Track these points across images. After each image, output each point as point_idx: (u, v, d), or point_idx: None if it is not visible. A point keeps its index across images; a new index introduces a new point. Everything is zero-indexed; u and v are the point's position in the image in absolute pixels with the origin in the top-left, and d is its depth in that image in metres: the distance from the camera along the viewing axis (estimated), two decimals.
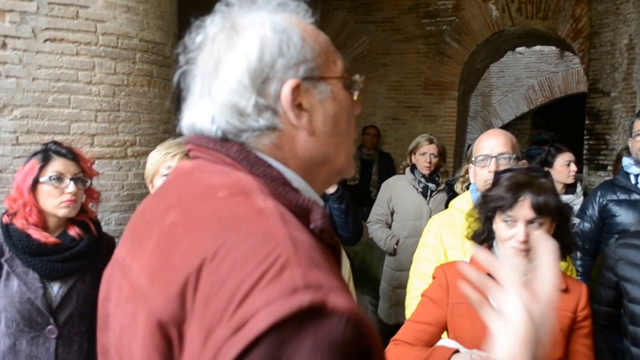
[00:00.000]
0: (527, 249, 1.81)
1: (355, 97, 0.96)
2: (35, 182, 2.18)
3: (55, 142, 2.29)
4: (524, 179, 1.86)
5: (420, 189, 4.41)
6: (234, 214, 0.76)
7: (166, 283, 0.75)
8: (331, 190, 3.01)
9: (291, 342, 0.63)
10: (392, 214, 4.55)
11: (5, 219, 2.21)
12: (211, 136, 0.87)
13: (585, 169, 7.01)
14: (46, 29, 3.52)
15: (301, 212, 0.81)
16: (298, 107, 0.86)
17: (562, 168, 3.96)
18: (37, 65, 3.51)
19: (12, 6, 3.44)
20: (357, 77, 0.96)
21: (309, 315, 0.64)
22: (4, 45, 3.43)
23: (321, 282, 0.67)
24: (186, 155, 2.32)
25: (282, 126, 0.86)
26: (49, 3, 3.52)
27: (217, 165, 0.86)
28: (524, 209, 1.80)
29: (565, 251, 1.91)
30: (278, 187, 0.83)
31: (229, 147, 0.86)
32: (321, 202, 0.89)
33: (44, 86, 3.54)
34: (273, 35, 0.86)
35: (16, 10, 3.45)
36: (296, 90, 0.85)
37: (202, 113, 0.87)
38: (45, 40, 3.53)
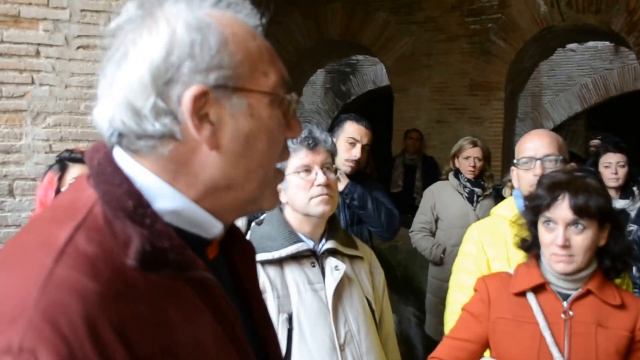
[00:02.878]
0: (568, 256, 1.68)
1: (289, 118, 0.85)
2: (58, 193, 2.18)
3: (68, 150, 2.32)
4: (564, 178, 1.76)
5: (466, 195, 4.26)
6: (22, 245, 0.72)
7: None
8: (340, 187, 2.85)
9: None
10: (436, 221, 4.41)
11: None
12: (105, 139, 0.80)
13: None
14: (78, 36, 3.53)
15: (118, 243, 0.71)
16: (204, 117, 0.76)
17: (604, 170, 3.73)
18: (69, 72, 3.52)
19: (45, 14, 3.46)
20: (291, 95, 0.85)
21: None
22: (38, 53, 3.46)
23: (23, 346, 0.61)
24: None
25: (180, 136, 0.76)
26: (82, 10, 3.53)
27: (84, 179, 0.80)
28: (563, 209, 1.70)
29: (619, 267, 1.75)
30: (111, 210, 0.74)
31: (94, 159, 0.79)
32: (216, 227, 0.83)
33: (77, 93, 3.55)
34: (186, 32, 0.76)
35: (49, 18, 3.47)
36: (202, 98, 0.75)
37: (104, 107, 0.79)
38: (78, 48, 3.54)
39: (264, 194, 0.85)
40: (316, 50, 9.10)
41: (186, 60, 0.75)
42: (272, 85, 0.82)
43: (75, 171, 2.22)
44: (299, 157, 1.93)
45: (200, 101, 0.75)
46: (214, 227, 0.83)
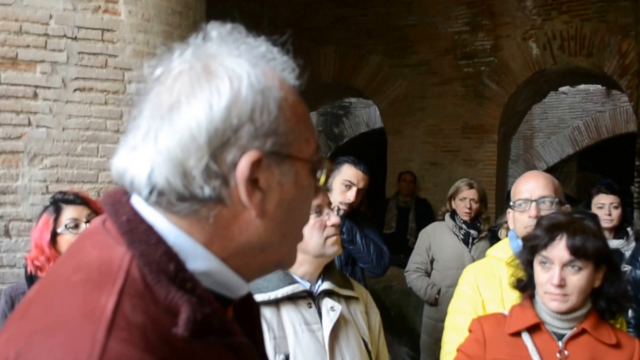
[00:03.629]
0: (563, 295, 1.70)
1: (320, 183, 0.83)
2: (54, 234, 2.21)
3: (61, 192, 2.34)
4: (563, 219, 1.78)
5: (462, 236, 4.27)
6: (62, 312, 0.65)
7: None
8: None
9: None
10: (431, 262, 4.40)
11: (30, 269, 2.24)
12: (138, 192, 0.73)
13: (636, 213, 6.69)
14: (76, 78, 3.57)
15: (171, 311, 0.67)
16: (254, 183, 0.73)
17: (597, 211, 3.77)
18: (66, 114, 3.55)
19: (43, 57, 3.49)
20: (326, 163, 0.83)
21: None
22: (35, 95, 3.48)
23: None
24: None
25: (228, 201, 0.73)
26: (79, 52, 3.57)
27: (103, 234, 0.73)
28: (560, 249, 1.72)
29: (614, 309, 1.76)
30: (151, 273, 0.68)
31: (121, 214, 0.73)
32: (241, 288, 0.80)
33: (74, 135, 3.56)
34: (248, 93, 0.72)
35: (47, 60, 3.50)
36: (257, 164, 0.72)
37: (140, 160, 0.72)
38: (75, 90, 3.57)
39: (290, 258, 0.84)
40: (309, 93, 9.13)
41: (246, 124, 0.72)
42: (312, 152, 0.80)
43: (69, 213, 2.24)
44: None
45: (254, 167, 0.72)
46: (240, 289, 0.80)
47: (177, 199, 0.72)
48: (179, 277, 0.70)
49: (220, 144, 0.71)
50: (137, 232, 0.71)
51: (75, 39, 3.54)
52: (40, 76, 3.49)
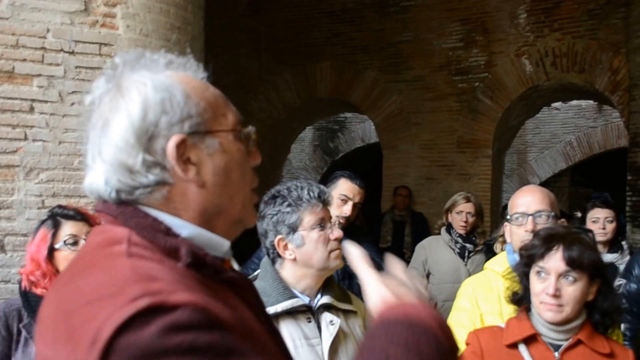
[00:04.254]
0: (558, 305, 1.73)
1: (250, 148, 0.99)
2: (51, 249, 2.17)
3: (60, 206, 2.29)
4: (559, 232, 1.82)
5: (457, 250, 4.28)
6: (89, 263, 0.85)
7: (45, 336, 0.84)
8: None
9: (137, 337, 0.72)
10: (428, 276, 4.40)
11: (24, 285, 2.19)
12: (104, 198, 0.91)
13: (628, 227, 6.72)
14: (73, 92, 3.56)
15: (170, 252, 0.86)
16: (187, 161, 0.90)
17: (591, 225, 3.80)
18: (63, 128, 3.54)
19: (39, 71, 3.50)
20: (249, 128, 0.99)
21: (150, 313, 0.73)
22: (32, 109, 3.48)
23: (160, 289, 0.76)
24: None
25: (172, 180, 0.90)
26: (76, 67, 3.57)
27: (104, 225, 0.92)
28: (556, 260, 1.75)
29: (608, 323, 1.79)
30: (148, 233, 0.87)
31: (109, 206, 0.91)
32: (224, 245, 0.96)
33: (70, 149, 3.55)
34: (155, 93, 0.90)
35: (44, 74, 3.50)
36: (182, 145, 0.89)
37: (97, 175, 0.91)
38: (72, 104, 3.56)
39: (246, 213, 0.99)
40: (305, 108, 9.24)
41: (161, 117, 0.89)
42: (232, 123, 0.97)
43: (69, 228, 2.20)
44: (316, 212, 1.94)
45: (181, 148, 0.89)
46: (223, 245, 0.96)
47: (132, 190, 0.89)
48: (172, 234, 0.88)
49: (147, 139, 0.88)
50: (127, 212, 0.89)
51: (72, 53, 3.55)
52: (37, 90, 3.48)
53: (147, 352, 0.72)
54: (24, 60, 3.45)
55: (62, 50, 3.52)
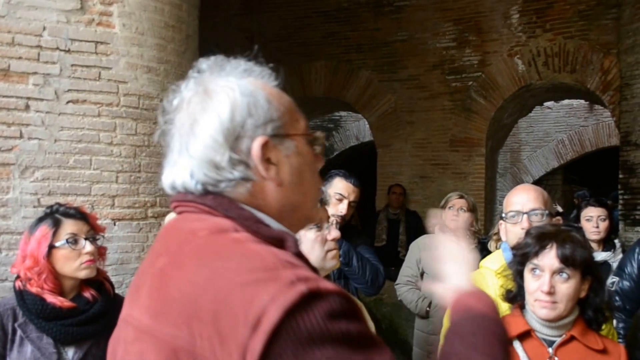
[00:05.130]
0: (552, 302, 1.76)
1: (317, 152, 1.06)
2: (50, 247, 2.14)
3: (59, 204, 2.27)
4: (552, 230, 1.85)
5: None
6: (214, 245, 0.89)
7: (170, 314, 0.85)
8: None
9: (304, 322, 0.76)
10: (422, 275, 4.40)
11: (19, 284, 2.17)
12: (191, 190, 0.97)
13: (621, 225, 6.78)
14: (69, 90, 3.56)
15: (275, 243, 0.92)
16: (267, 161, 0.96)
17: (585, 223, 3.83)
18: (59, 126, 3.54)
19: (35, 69, 3.49)
20: (318, 133, 1.07)
21: (310, 298, 0.78)
22: (27, 107, 3.47)
23: (309, 276, 0.82)
24: None
25: (254, 177, 0.96)
26: (72, 65, 3.57)
27: (197, 214, 0.96)
28: (550, 257, 1.78)
29: (601, 319, 1.82)
30: (251, 224, 0.93)
31: (204, 197, 0.96)
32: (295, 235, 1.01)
33: (66, 148, 3.55)
34: (242, 98, 0.96)
35: (40, 72, 3.50)
36: (265, 146, 0.96)
37: (181, 169, 0.97)
38: (68, 102, 3.56)
39: (315, 211, 1.10)
40: (300, 106, 9.16)
41: (248, 119, 0.96)
42: (304, 128, 1.04)
43: (69, 227, 2.18)
44: None
45: (264, 148, 0.95)
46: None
47: (217, 182, 0.96)
48: (267, 225, 0.96)
49: (234, 139, 0.95)
50: (224, 204, 0.95)
51: (68, 51, 3.55)
52: (33, 88, 3.48)
53: (312, 337, 0.76)
54: (20, 58, 3.45)
55: (58, 48, 3.52)
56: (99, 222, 2.38)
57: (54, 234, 2.15)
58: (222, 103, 0.96)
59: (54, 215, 2.20)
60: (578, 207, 4.06)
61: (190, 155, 0.96)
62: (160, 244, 1.00)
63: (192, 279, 0.85)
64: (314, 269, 0.94)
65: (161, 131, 1.02)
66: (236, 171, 0.95)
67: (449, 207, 4.31)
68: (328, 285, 0.82)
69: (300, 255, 0.92)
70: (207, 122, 0.95)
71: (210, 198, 0.95)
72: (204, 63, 1.03)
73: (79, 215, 2.23)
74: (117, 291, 2.39)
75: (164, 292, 0.88)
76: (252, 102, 0.97)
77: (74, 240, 2.17)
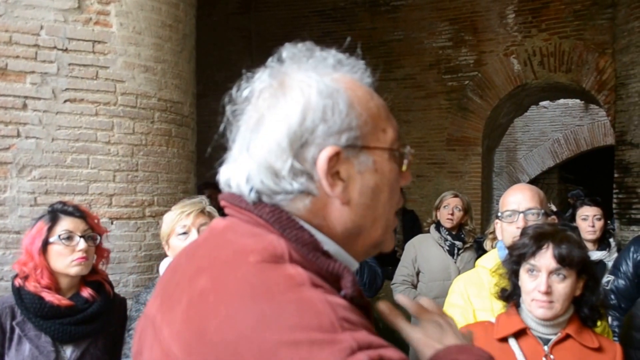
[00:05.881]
0: (549, 302, 1.77)
1: (403, 168, 0.90)
2: (45, 243, 2.15)
3: (61, 202, 2.28)
4: (548, 230, 1.85)
5: (447, 248, 4.30)
6: (266, 282, 0.75)
7: (204, 357, 0.74)
8: None
9: None
10: (417, 274, 4.42)
11: (18, 282, 2.17)
12: (244, 195, 0.85)
13: (616, 224, 6.81)
14: (66, 89, 3.56)
15: (331, 278, 0.80)
16: (335, 175, 0.82)
17: (581, 222, 3.86)
18: (56, 125, 3.53)
19: (33, 68, 3.49)
20: (407, 149, 0.91)
21: None
22: (25, 106, 3.46)
23: (370, 341, 0.71)
24: (201, 212, 2.31)
25: (316, 192, 0.83)
26: (70, 64, 3.57)
27: (250, 226, 0.83)
28: (547, 258, 1.78)
29: (596, 317, 1.83)
30: (309, 252, 0.81)
31: (261, 208, 0.83)
32: (355, 267, 0.88)
33: (63, 146, 3.55)
34: (318, 99, 0.82)
35: (37, 71, 3.50)
36: (334, 158, 0.81)
37: (239, 169, 0.86)
38: (65, 101, 3.56)
39: (385, 238, 0.91)
40: None
41: (320, 124, 0.81)
42: (390, 140, 0.88)
43: (65, 224, 2.18)
44: None
45: (333, 160, 0.81)
46: (353, 267, 0.88)
47: (272, 194, 0.83)
48: (327, 254, 0.82)
49: (299, 145, 0.81)
50: (283, 220, 0.82)
51: (65, 50, 3.55)
52: (30, 87, 3.47)
53: None
54: (17, 57, 3.45)
55: (55, 47, 3.52)
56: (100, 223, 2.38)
57: (49, 229, 2.16)
58: (294, 102, 0.82)
59: (53, 212, 2.21)
60: (573, 206, 4.07)
61: (251, 155, 0.84)
62: (203, 252, 0.86)
63: (236, 325, 0.72)
64: (370, 313, 0.85)
65: (227, 122, 0.89)
66: (296, 182, 0.81)
67: (444, 207, 4.33)
68: (391, 353, 0.71)
69: (356, 298, 0.80)
70: (273, 122, 0.82)
71: (268, 211, 0.83)
72: (286, 50, 0.89)
73: (77, 213, 2.24)
74: (114, 290, 2.40)
75: (202, 328, 0.75)
76: (330, 105, 0.82)
77: (67, 237, 2.17)
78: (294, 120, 0.81)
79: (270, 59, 0.89)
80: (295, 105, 0.82)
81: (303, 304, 0.72)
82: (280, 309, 0.71)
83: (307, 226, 0.83)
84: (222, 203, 0.89)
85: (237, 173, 0.85)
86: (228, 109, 0.89)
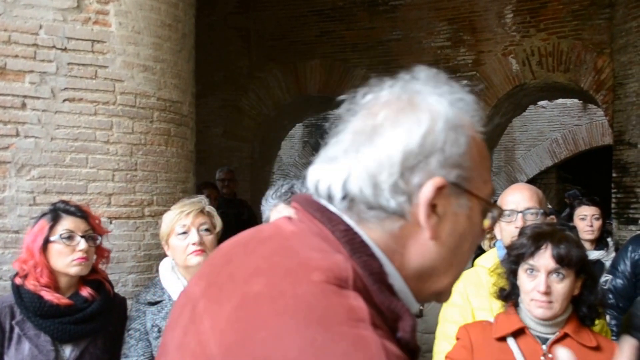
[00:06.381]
0: (548, 302, 1.78)
1: (486, 224, 0.88)
2: (46, 242, 2.16)
3: (63, 201, 2.29)
4: (547, 230, 1.86)
5: None
6: (325, 307, 0.71)
7: None
8: None
9: None
10: None
11: (18, 281, 2.18)
12: (333, 199, 0.82)
13: (614, 223, 6.83)
14: (65, 89, 3.56)
15: (390, 316, 0.76)
16: (432, 208, 0.80)
17: (579, 222, 3.86)
18: (55, 125, 3.53)
19: (32, 67, 3.49)
20: (496, 209, 0.89)
21: None
22: (24, 105, 3.46)
23: None
24: (201, 212, 2.31)
25: (409, 217, 0.80)
26: (69, 63, 3.57)
27: (318, 239, 0.80)
28: (545, 258, 1.79)
29: (594, 316, 1.83)
30: (374, 282, 0.77)
31: (336, 223, 0.80)
32: (415, 309, 0.85)
33: (62, 146, 3.55)
34: (444, 127, 0.80)
35: (36, 71, 3.50)
36: (439, 190, 0.79)
37: (339, 170, 0.81)
38: (64, 100, 3.56)
39: (449, 290, 0.89)
40: (295, 105, 9.26)
41: (437, 153, 0.79)
42: (487, 193, 0.86)
43: (67, 223, 2.19)
44: (277, 210, 1.96)
45: (437, 192, 0.79)
46: (414, 309, 0.85)
47: (366, 207, 0.80)
48: (391, 288, 0.79)
49: (411, 166, 0.79)
50: (355, 242, 0.79)
51: (64, 49, 3.55)
52: (29, 86, 3.47)
53: None
54: (16, 56, 3.45)
55: (54, 47, 3.52)
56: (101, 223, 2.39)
57: (51, 228, 2.17)
58: (421, 123, 0.80)
59: (55, 211, 2.22)
60: (571, 206, 4.08)
61: (358, 159, 0.80)
62: (264, 252, 0.82)
63: (283, 345, 0.69)
64: (416, 357, 0.82)
65: (337, 117, 0.87)
66: (394, 201, 0.78)
67: None
68: None
69: (411, 343, 0.77)
70: (392, 136, 0.80)
71: (342, 229, 0.80)
72: (421, 72, 0.87)
73: (79, 213, 2.24)
74: (114, 289, 2.41)
75: (248, 335, 0.72)
76: (452, 138, 0.80)
77: (68, 236, 2.17)
78: (414, 140, 0.79)
79: (402, 73, 0.87)
80: (420, 126, 0.80)
81: (357, 342, 0.68)
82: (332, 341, 0.68)
83: (380, 254, 0.80)
84: (294, 205, 0.86)
85: (333, 174, 0.82)
86: (345, 105, 0.87)
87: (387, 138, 0.80)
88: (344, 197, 0.80)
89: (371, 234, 0.81)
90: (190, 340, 0.79)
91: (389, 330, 0.74)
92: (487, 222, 0.88)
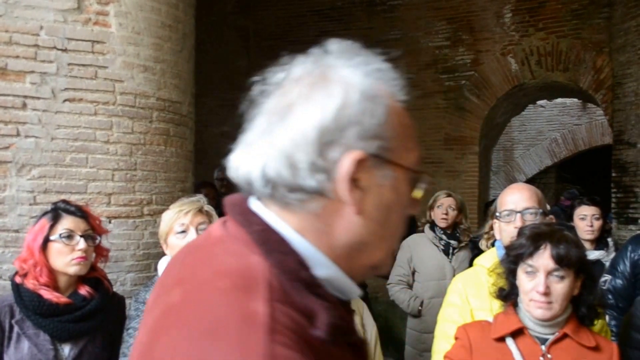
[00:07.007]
0: (548, 302, 1.77)
1: (416, 195, 0.85)
2: (46, 241, 2.18)
3: (64, 201, 2.31)
4: (546, 230, 1.86)
5: (442, 247, 4.29)
6: (220, 317, 0.69)
7: None
8: None
9: None
10: (413, 273, 4.42)
11: (18, 280, 2.20)
12: (256, 187, 0.79)
13: (614, 223, 6.83)
14: (65, 89, 3.57)
15: (306, 314, 0.73)
16: (354, 182, 0.77)
17: (579, 222, 3.86)
18: (55, 125, 3.54)
19: (32, 67, 3.49)
20: (424, 177, 0.86)
21: None
22: (24, 105, 3.47)
23: None
24: (199, 211, 2.32)
25: (331, 195, 0.77)
26: (69, 64, 3.58)
27: (239, 243, 0.78)
28: (544, 258, 1.79)
29: (593, 315, 1.83)
30: (288, 280, 0.74)
31: (253, 224, 0.79)
32: (355, 292, 0.84)
33: (62, 146, 3.56)
34: (359, 98, 0.78)
35: (37, 71, 3.50)
36: (359, 163, 0.76)
37: (255, 155, 0.79)
38: (65, 101, 3.57)
39: (385, 262, 0.86)
40: None
41: (354, 126, 0.77)
42: (412, 162, 0.83)
43: (67, 223, 2.21)
44: None
45: (357, 166, 0.76)
46: (352, 291, 0.84)
47: (287, 190, 0.77)
48: (312, 284, 0.76)
49: (327, 142, 0.76)
50: (271, 242, 0.77)
51: (65, 50, 3.56)
52: (30, 86, 3.48)
53: None
54: (17, 57, 3.45)
55: (55, 47, 3.53)
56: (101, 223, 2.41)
57: (51, 227, 2.19)
58: (333, 97, 0.77)
59: (55, 211, 2.24)
60: (572, 205, 4.07)
61: (272, 142, 0.77)
62: (191, 261, 0.82)
63: (171, 354, 0.69)
64: (362, 351, 0.81)
65: (250, 101, 0.83)
66: (313, 179, 0.76)
67: (438, 206, 4.33)
68: None
69: (338, 337, 0.75)
70: (305, 113, 0.77)
71: (259, 230, 0.78)
72: (334, 44, 0.84)
73: (80, 213, 2.26)
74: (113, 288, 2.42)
75: (152, 346, 0.73)
76: (369, 109, 0.77)
77: (68, 236, 2.19)
78: (328, 114, 0.76)
79: (314, 48, 0.84)
80: (334, 100, 0.77)
81: (243, 350, 0.66)
82: (217, 349, 0.66)
83: (302, 246, 0.78)
84: (224, 208, 0.84)
85: (250, 160, 0.79)
86: (256, 87, 0.83)
87: (300, 115, 0.77)
88: (267, 183, 0.78)
89: (294, 219, 0.79)
90: (133, 351, 0.80)
91: (303, 330, 0.71)
92: (418, 193, 0.86)
